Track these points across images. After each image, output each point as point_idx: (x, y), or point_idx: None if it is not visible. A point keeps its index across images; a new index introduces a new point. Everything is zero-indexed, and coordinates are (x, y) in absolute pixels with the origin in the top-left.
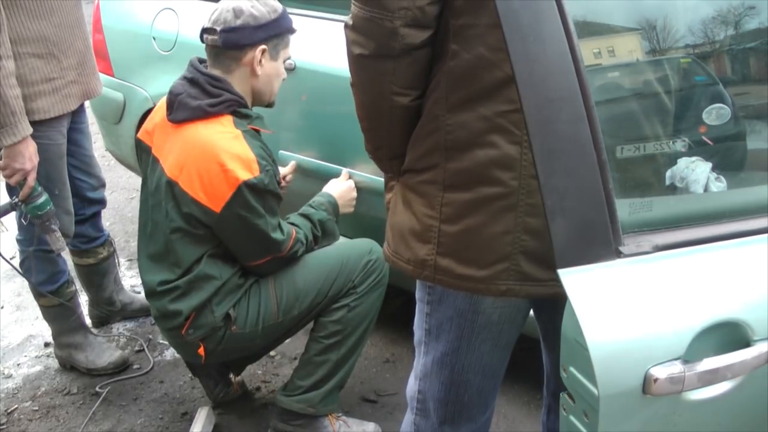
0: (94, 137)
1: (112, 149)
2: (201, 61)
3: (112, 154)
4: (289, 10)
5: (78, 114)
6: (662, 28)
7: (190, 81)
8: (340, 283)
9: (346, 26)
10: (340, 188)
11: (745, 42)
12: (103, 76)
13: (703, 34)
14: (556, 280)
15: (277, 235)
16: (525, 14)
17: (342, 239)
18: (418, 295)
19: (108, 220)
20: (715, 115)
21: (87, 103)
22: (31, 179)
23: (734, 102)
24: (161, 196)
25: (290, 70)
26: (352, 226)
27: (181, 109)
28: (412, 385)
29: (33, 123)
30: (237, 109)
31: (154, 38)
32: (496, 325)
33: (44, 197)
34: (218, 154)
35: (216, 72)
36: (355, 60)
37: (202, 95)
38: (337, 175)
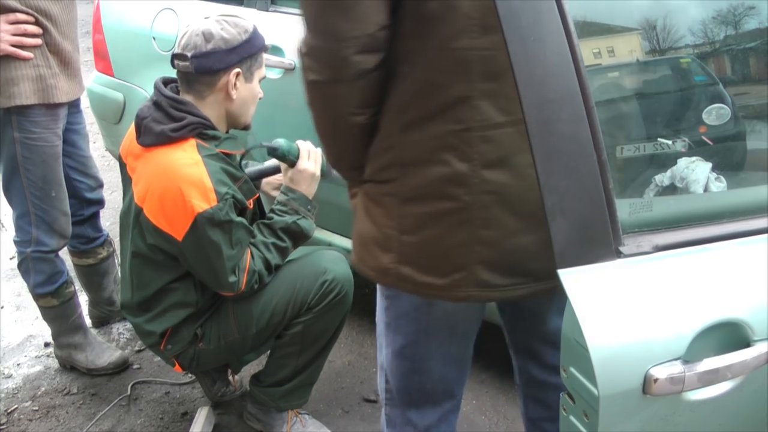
0: (93, 137)
1: (112, 149)
2: (166, 82)
3: (112, 155)
4: (288, 10)
5: (74, 115)
6: (662, 28)
7: (155, 104)
8: (295, 303)
9: (301, 54)
10: (298, 173)
11: (745, 42)
12: (103, 76)
13: (703, 34)
14: (516, 284)
15: (231, 278)
16: (525, 14)
17: (304, 254)
18: (378, 288)
19: (107, 220)
20: (715, 115)
21: (86, 104)
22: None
23: (734, 102)
24: (129, 221)
25: (290, 70)
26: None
27: (147, 134)
28: (380, 378)
29: (27, 124)
30: (202, 131)
31: (154, 38)
32: (452, 315)
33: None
34: (177, 182)
35: (188, 98)
36: (309, 85)
37: (166, 119)
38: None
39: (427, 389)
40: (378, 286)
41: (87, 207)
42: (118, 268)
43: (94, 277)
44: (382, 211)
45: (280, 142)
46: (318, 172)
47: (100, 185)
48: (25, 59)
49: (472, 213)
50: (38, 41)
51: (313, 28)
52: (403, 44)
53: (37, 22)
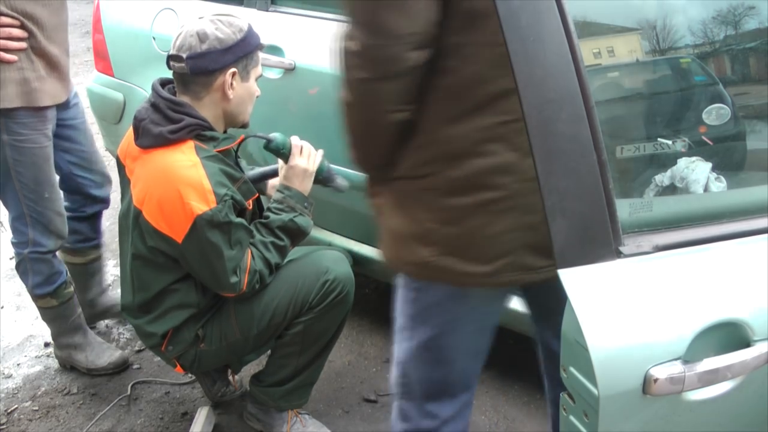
0: (94, 137)
1: (112, 149)
2: (164, 83)
3: (112, 154)
4: (288, 10)
5: (66, 111)
6: (662, 28)
7: (153, 106)
8: (296, 303)
9: (348, 51)
10: (290, 170)
11: (745, 42)
12: (103, 76)
13: (703, 34)
14: (551, 266)
15: (233, 279)
16: (525, 14)
17: (305, 254)
18: (401, 281)
19: (107, 219)
20: (715, 115)
21: (86, 104)
22: None
23: (734, 102)
24: (128, 223)
25: (290, 70)
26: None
27: (145, 136)
28: (395, 373)
29: (15, 126)
30: (200, 132)
31: (154, 38)
32: (481, 307)
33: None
34: (176, 184)
35: (185, 99)
36: (355, 83)
37: (164, 121)
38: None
39: (448, 381)
40: (402, 280)
41: (91, 204)
42: (105, 274)
43: (79, 276)
44: (421, 205)
45: (276, 135)
46: (311, 168)
47: (109, 181)
48: (8, 62)
49: (518, 200)
50: (23, 45)
51: (365, 25)
52: (448, 39)
53: (22, 26)
